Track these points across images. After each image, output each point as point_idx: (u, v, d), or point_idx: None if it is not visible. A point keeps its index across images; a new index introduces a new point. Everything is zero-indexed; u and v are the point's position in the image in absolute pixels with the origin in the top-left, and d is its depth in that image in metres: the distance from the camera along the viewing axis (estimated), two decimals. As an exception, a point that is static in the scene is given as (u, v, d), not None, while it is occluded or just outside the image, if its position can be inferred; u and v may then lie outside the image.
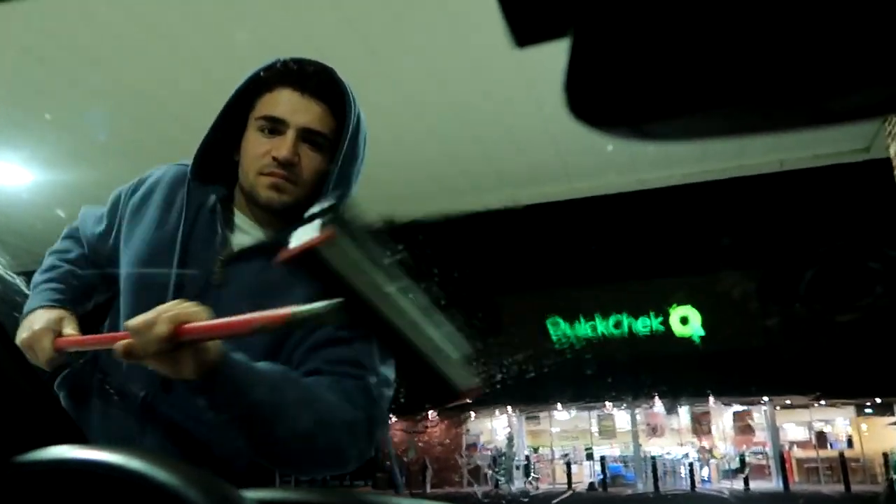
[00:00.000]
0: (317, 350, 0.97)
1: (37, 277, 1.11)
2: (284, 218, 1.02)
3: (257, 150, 1.01)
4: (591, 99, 0.22)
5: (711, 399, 14.48)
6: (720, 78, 0.19)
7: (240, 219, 1.07)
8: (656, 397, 14.43)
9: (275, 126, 1.01)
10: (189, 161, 1.11)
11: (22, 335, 0.97)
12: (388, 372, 1.00)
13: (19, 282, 1.23)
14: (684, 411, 15.27)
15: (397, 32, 4.20)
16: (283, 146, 0.99)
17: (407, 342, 0.66)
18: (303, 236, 0.63)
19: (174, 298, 0.92)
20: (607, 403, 15.16)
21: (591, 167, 6.35)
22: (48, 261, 1.15)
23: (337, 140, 1.03)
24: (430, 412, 15.35)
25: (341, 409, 0.92)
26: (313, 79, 1.03)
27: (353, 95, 1.06)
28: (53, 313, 0.99)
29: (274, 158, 0.99)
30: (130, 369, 0.97)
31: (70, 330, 0.96)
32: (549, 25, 0.23)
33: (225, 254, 1.03)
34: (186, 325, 0.76)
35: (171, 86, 4.63)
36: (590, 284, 14.54)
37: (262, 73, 1.04)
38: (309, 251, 0.64)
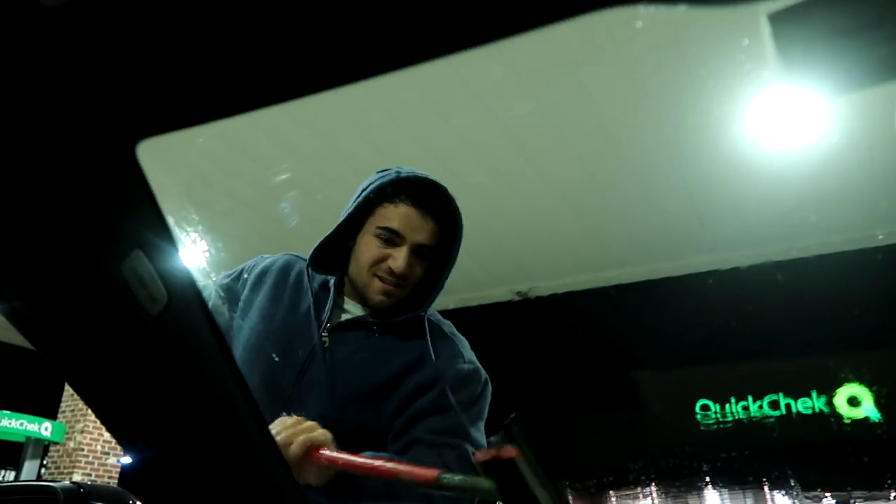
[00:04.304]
0: (419, 419, 1.08)
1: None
2: (389, 313, 1.17)
3: (373, 255, 1.14)
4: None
5: (894, 493, 12.76)
6: None
7: (348, 303, 1.21)
8: (825, 489, 12.94)
9: (392, 237, 1.11)
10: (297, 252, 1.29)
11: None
12: (481, 437, 1.10)
13: None
14: (861, 506, 13.53)
15: (541, 117, 4.28)
16: (399, 259, 1.12)
17: None
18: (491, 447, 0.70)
19: (287, 356, 1.09)
20: (766, 490, 13.79)
21: (737, 238, 6.02)
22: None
23: (441, 252, 1.16)
24: (568, 494, 14.67)
25: None
26: (432, 200, 1.15)
27: (461, 214, 1.19)
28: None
29: (389, 268, 1.12)
30: None
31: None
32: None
33: (333, 322, 1.17)
34: (321, 453, 0.86)
35: (325, 181, 4.97)
36: (741, 361, 13.54)
37: (388, 188, 1.17)
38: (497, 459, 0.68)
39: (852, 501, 13.38)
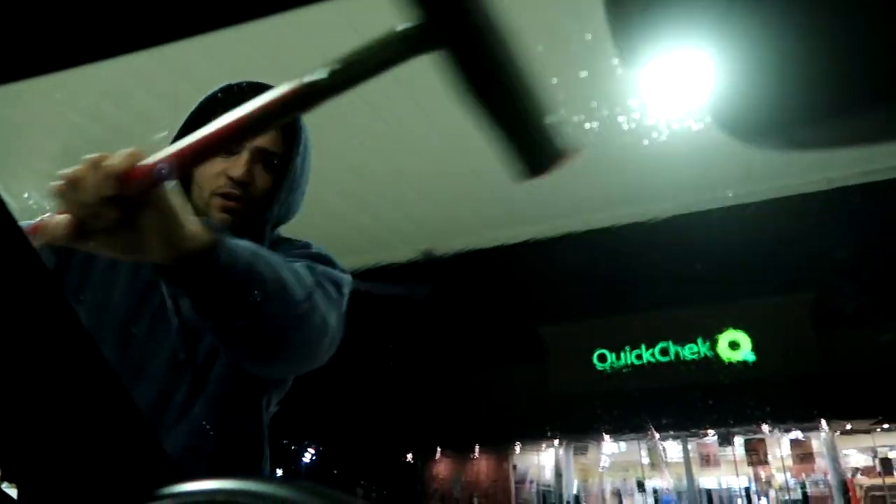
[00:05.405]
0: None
1: None
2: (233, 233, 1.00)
3: (212, 170, 1.02)
4: (737, 112, 0.23)
5: (766, 427, 14.00)
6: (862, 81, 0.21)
7: None
8: (708, 426, 14.01)
9: (230, 146, 1.02)
10: None
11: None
12: (330, 308, 0.93)
13: None
14: (738, 440, 14.76)
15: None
16: (238, 165, 1.01)
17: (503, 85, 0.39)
18: None
19: (133, 316, 0.97)
20: (657, 434, 14.77)
21: (629, 195, 6.27)
22: None
23: (285, 160, 1.06)
24: (476, 448, 15.13)
25: (323, 293, 0.88)
26: None
27: (302, 122, 1.09)
28: None
29: (230, 178, 1.01)
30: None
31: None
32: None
33: None
34: (148, 164, 0.54)
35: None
36: (634, 312, 14.28)
37: (218, 95, 1.07)
38: None
39: (731, 435, 14.57)
